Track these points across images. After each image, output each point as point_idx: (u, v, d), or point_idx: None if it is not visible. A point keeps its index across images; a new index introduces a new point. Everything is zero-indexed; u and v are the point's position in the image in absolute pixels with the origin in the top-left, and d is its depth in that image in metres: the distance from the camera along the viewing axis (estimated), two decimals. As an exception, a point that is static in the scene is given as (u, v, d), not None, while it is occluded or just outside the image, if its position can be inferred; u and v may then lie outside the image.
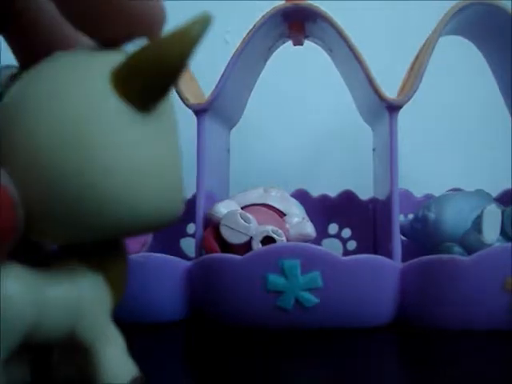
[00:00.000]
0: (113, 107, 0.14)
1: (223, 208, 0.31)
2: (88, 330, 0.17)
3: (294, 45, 0.37)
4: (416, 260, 0.28)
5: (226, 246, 0.30)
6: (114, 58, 0.15)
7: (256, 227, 0.29)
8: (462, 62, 0.48)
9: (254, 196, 0.33)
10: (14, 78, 0.16)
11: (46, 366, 0.18)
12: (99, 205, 0.14)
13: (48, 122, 0.14)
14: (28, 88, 0.15)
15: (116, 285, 0.18)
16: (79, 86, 0.14)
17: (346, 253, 0.43)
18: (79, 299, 0.16)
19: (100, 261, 0.17)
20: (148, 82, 0.14)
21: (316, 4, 0.31)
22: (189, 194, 0.41)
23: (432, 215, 0.34)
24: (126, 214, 0.15)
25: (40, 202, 0.14)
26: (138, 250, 0.34)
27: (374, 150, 0.39)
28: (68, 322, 0.16)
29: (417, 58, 0.33)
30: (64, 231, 0.15)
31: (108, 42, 0.15)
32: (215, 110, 0.33)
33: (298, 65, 0.49)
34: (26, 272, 0.15)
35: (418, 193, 0.44)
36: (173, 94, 0.16)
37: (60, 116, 0.14)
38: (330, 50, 0.36)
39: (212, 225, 0.31)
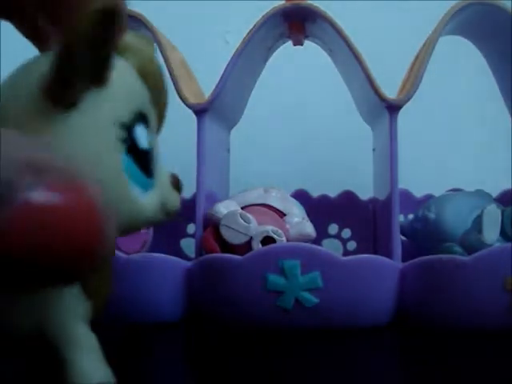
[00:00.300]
0: (38, 109, 0.14)
1: (223, 208, 0.30)
2: (55, 333, 0.16)
3: (294, 45, 0.37)
4: (416, 260, 0.28)
5: (225, 246, 0.30)
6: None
7: (256, 227, 0.29)
8: (462, 62, 0.48)
9: (254, 196, 0.33)
10: None
11: (38, 365, 0.18)
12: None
13: None
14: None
15: (96, 292, 0.17)
16: (17, 88, 0.15)
17: (346, 253, 0.43)
18: (46, 306, 0.16)
19: None
20: (56, 80, 0.14)
21: (316, 4, 0.31)
22: (189, 194, 0.41)
23: (432, 215, 0.34)
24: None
25: None
26: (138, 249, 0.34)
27: (373, 149, 0.39)
28: (32, 322, 0.16)
29: (417, 58, 0.33)
30: None
31: None
32: (215, 110, 0.33)
33: (299, 65, 0.49)
34: None
35: (418, 193, 0.44)
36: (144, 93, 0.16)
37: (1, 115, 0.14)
38: (329, 50, 0.36)
39: (212, 225, 0.31)
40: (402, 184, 0.32)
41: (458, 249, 0.31)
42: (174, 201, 0.18)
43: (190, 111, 0.32)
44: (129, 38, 0.16)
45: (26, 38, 0.18)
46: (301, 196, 0.42)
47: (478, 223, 0.31)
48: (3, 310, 0.15)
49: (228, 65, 0.31)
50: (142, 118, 0.16)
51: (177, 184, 0.18)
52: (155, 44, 0.31)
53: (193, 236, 0.39)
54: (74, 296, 0.17)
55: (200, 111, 0.32)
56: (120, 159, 0.15)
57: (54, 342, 0.16)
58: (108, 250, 0.13)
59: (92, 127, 0.15)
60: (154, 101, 0.17)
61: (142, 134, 0.16)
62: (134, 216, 0.16)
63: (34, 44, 0.18)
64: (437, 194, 0.39)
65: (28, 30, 0.17)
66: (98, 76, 0.14)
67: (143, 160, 0.16)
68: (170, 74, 0.31)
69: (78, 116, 0.14)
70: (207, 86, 0.33)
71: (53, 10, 0.15)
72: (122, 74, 0.16)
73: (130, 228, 0.16)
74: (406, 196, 0.43)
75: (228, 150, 0.40)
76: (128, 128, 0.15)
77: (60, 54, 0.13)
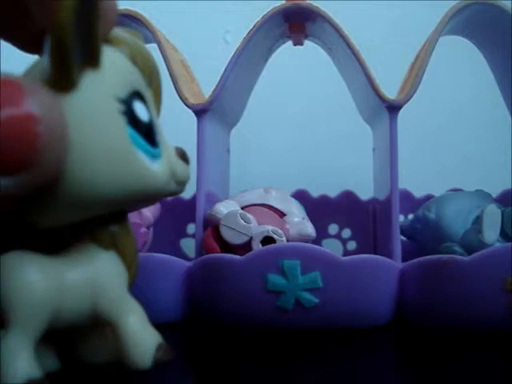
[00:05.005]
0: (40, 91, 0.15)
1: (223, 208, 0.30)
2: (109, 304, 0.18)
3: (294, 45, 0.37)
4: (416, 260, 0.28)
5: (225, 246, 0.30)
6: None
7: (256, 227, 0.29)
8: (463, 62, 0.48)
9: (254, 196, 0.33)
10: None
11: (70, 351, 0.19)
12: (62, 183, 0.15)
13: None
14: None
15: (128, 260, 0.19)
16: (28, 73, 0.16)
17: (346, 253, 0.43)
18: (97, 278, 0.17)
19: (110, 239, 0.18)
20: (54, 66, 0.15)
21: (316, 4, 0.31)
22: (189, 194, 0.41)
23: (432, 215, 0.34)
24: (80, 190, 0.15)
25: None
26: (139, 250, 0.34)
27: (373, 149, 0.39)
28: (89, 301, 0.17)
29: (417, 57, 0.33)
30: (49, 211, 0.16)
31: None
32: (215, 110, 0.33)
33: (299, 65, 0.49)
34: (43, 259, 0.16)
35: (418, 193, 0.44)
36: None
37: None
38: (329, 50, 0.36)
39: (212, 225, 0.31)
40: (402, 184, 0.32)
41: (457, 249, 0.31)
42: (183, 171, 0.19)
43: (190, 111, 0.32)
44: (118, 31, 0.18)
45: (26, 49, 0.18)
46: (301, 196, 0.42)
47: (478, 223, 0.31)
48: (62, 298, 0.16)
49: (228, 65, 0.31)
50: (138, 95, 0.18)
51: (183, 155, 0.19)
52: (155, 40, 0.32)
53: (193, 236, 0.39)
54: (119, 264, 0.18)
55: (200, 111, 0.32)
56: (125, 130, 0.16)
57: (109, 316, 0.18)
58: (49, 158, 0.14)
59: (94, 104, 0.16)
60: (148, 82, 0.19)
61: (141, 109, 0.17)
62: (149, 184, 0.17)
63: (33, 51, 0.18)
64: (437, 193, 0.39)
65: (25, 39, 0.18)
66: (90, 57, 0.16)
67: (146, 132, 0.17)
68: (170, 75, 0.31)
69: (80, 95, 0.16)
70: (207, 86, 0.33)
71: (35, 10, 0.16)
72: (114, 58, 0.17)
73: (148, 197, 0.18)
74: (406, 196, 0.43)
75: (228, 150, 0.40)
76: (126, 103, 0.17)
77: (52, 42, 0.15)
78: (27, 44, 0.18)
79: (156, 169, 0.17)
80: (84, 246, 0.18)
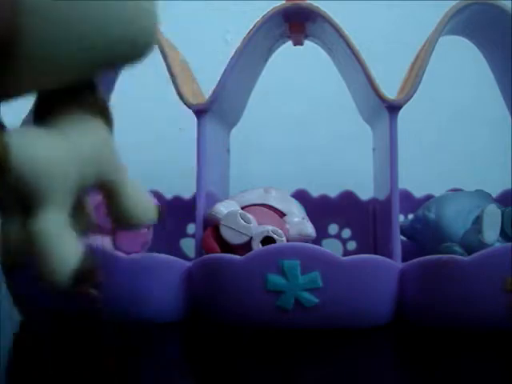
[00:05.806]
0: None
1: (223, 208, 0.30)
2: (113, 171, 0.17)
3: (294, 45, 0.37)
4: (416, 260, 0.28)
5: (225, 246, 0.30)
6: None
7: (256, 227, 0.29)
8: (463, 62, 0.48)
9: (254, 196, 0.33)
10: None
11: None
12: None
13: None
14: None
15: (111, 128, 0.18)
16: None
17: (346, 253, 0.43)
18: (98, 145, 0.17)
19: (98, 106, 0.17)
20: None
21: (316, 4, 0.31)
22: (189, 194, 0.41)
23: (432, 215, 0.34)
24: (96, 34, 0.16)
25: None
26: (138, 250, 0.34)
27: (373, 149, 0.39)
28: (96, 169, 0.17)
29: (417, 57, 0.33)
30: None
31: None
32: (215, 110, 0.33)
33: (299, 65, 0.49)
34: (45, 131, 0.15)
35: (418, 193, 0.44)
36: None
37: None
38: (329, 50, 0.36)
39: (212, 225, 0.31)
40: (402, 184, 0.32)
41: (457, 249, 0.31)
42: None
43: (190, 111, 0.32)
44: None
45: None
46: (301, 196, 0.42)
47: (478, 223, 0.31)
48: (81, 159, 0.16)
49: (228, 65, 0.31)
50: None
51: None
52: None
53: (193, 236, 0.39)
54: (108, 131, 0.18)
55: (200, 111, 0.32)
56: None
57: (112, 178, 0.18)
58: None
59: None
60: None
61: None
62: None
63: None
64: (437, 194, 0.39)
65: None
66: None
67: None
68: (170, 75, 0.31)
69: None
70: (207, 86, 0.33)
71: None
72: None
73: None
74: (406, 196, 0.43)
75: (228, 150, 0.40)
76: None
77: None
78: None
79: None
80: (75, 112, 0.16)
